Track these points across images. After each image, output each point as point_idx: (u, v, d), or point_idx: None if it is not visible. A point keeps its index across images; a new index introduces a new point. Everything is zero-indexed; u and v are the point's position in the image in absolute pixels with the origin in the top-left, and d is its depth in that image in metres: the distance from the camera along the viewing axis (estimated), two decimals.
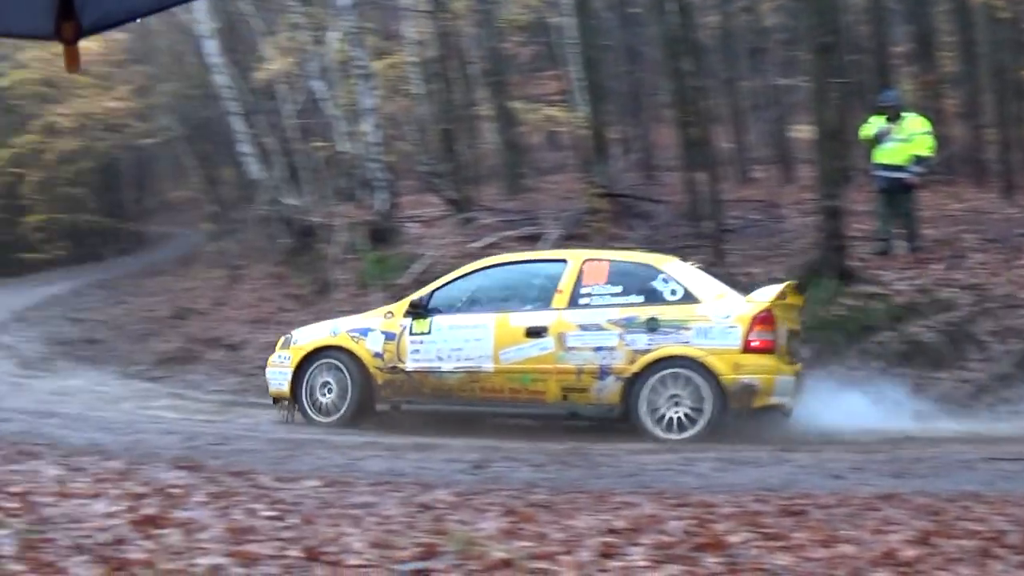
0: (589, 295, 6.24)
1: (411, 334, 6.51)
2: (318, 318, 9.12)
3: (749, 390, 5.67)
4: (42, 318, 16.29)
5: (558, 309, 6.24)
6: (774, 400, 5.71)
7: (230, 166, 19.10)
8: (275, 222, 13.77)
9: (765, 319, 5.75)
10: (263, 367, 7.44)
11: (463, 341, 6.35)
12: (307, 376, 6.66)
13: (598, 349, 6.06)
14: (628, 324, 6.04)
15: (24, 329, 14.33)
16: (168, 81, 21.42)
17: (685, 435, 5.72)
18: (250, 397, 8.99)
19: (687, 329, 5.88)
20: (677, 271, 6.27)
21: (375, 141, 11.93)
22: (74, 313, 17.09)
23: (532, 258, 6.99)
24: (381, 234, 11.76)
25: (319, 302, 11.26)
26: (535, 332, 6.20)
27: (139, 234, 56.48)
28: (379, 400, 6.56)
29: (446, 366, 6.38)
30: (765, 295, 5.99)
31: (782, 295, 5.90)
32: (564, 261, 6.50)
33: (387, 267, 11.20)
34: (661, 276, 6.20)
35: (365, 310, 7.69)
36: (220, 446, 5.67)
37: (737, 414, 5.65)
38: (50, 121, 25.61)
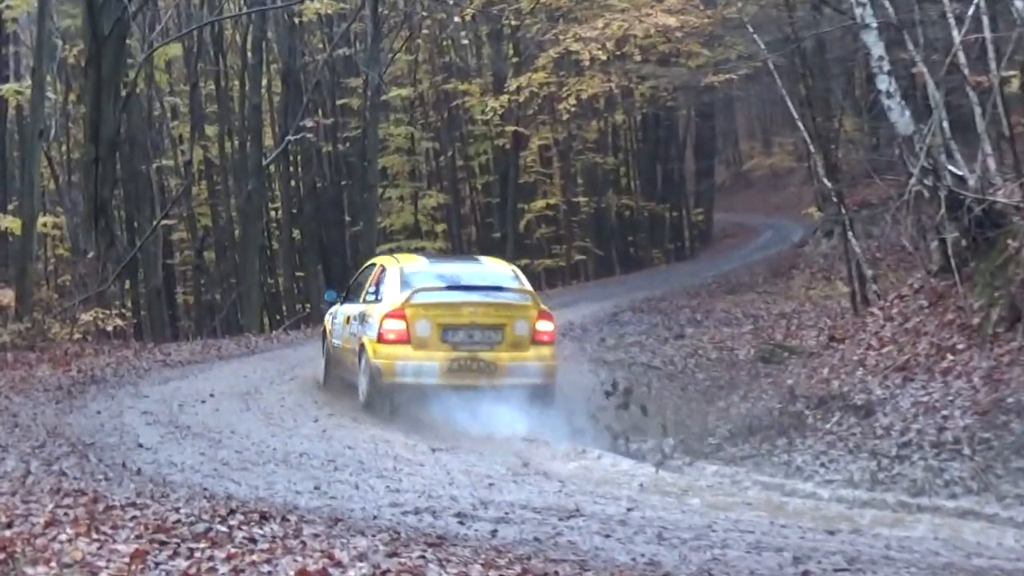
0: (370, 293, 15.69)
1: (333, 318, 16.80)
2: (1009, 364, 9.88)
3: (377, 371, 14.36)
4: (562, 354, 20.14)
5: (358, 303, 15.79)
6: (399, 380, 14.26)
7: (854, 115, 20.76)
8: (932, 204, 14.72)
9: (391, 315, 14.39)
10: (909, 443, 10.79)
11: (336, 324, 16.42)
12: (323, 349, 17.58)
13: (352, 335, 15.44)
14: (357, 316, 15.48)
15: None
16: None
17: (361, 401, 14.97)
18: (897, 492, 10.28)
19: (367, 323, 14.98)
20: (389, 276, 15.44)
21: None
22: (601, 351, 20.86)
23: (373, 262, 17.03)
24: None
25: (1010, 338, 12.14)
26: (347, 319, 15.90)
27: (701, 225, 63.93)
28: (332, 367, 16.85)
29: (335, 342, 16.43)
30: (401, 298, 14.59)
31: (422, 295, 14.53)
32: (375, 265, 16.54)
33: None
34: (383, 280, 15.50)
35: None
36: (849, 573, 6.60)
37: (381, 388, 14.45)
38: (568, 51, 30.83)
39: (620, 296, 32.28)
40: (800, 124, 20.59)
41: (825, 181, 20.11)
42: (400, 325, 14.62)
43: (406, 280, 15.31)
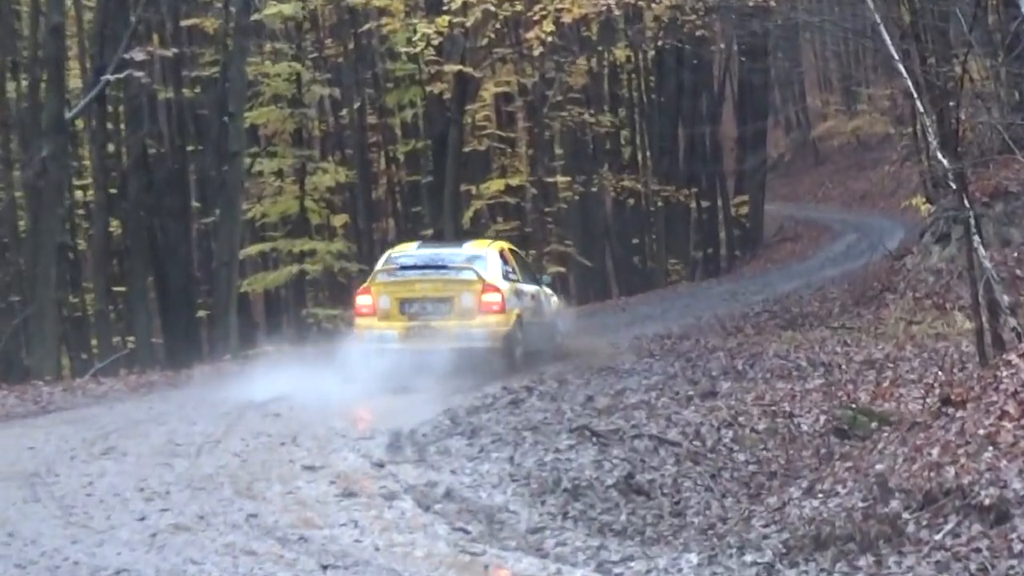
0: None
1: None
2: None
3: (355, 338, 27.74)
4: (531, 420, 20.05)
5: None
6: (371, 345, 26.34)
7: (984, 56, 20.87)
8: None
9: (361, 292, 27.66)
10: None
11: None
12: None
13: None
14: None
15: (479, 453, 18.24)
16: None
17: None
18: None
19: None
20: (380, 259, 30.35)
21: None
22: (586, 416, 20.69)
23: None
24: None
25: None
26: None
27: (745, 221, 64.57)
28: None
29: None
30: (369, 278, 28.47)
31: (390, 273, 27.57)
32: None
33: None
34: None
35: None
36: None
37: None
38: None
39: (618, 330, 32.27)
40: (901, 68, 20.66)
41: (939, 157, 20.19)
42: (368, 300, 26.57)
43: (386, 262, 27.63)
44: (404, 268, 27.01)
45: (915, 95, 20.67)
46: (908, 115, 29.24)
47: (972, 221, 19.49)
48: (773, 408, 20.81)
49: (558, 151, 47.48)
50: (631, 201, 49.69)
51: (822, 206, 57.90)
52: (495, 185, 44.26)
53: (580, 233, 47.06)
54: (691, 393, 22.63)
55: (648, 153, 51.28)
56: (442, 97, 41.83)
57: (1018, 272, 25.57)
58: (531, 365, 26.95)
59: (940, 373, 21.30)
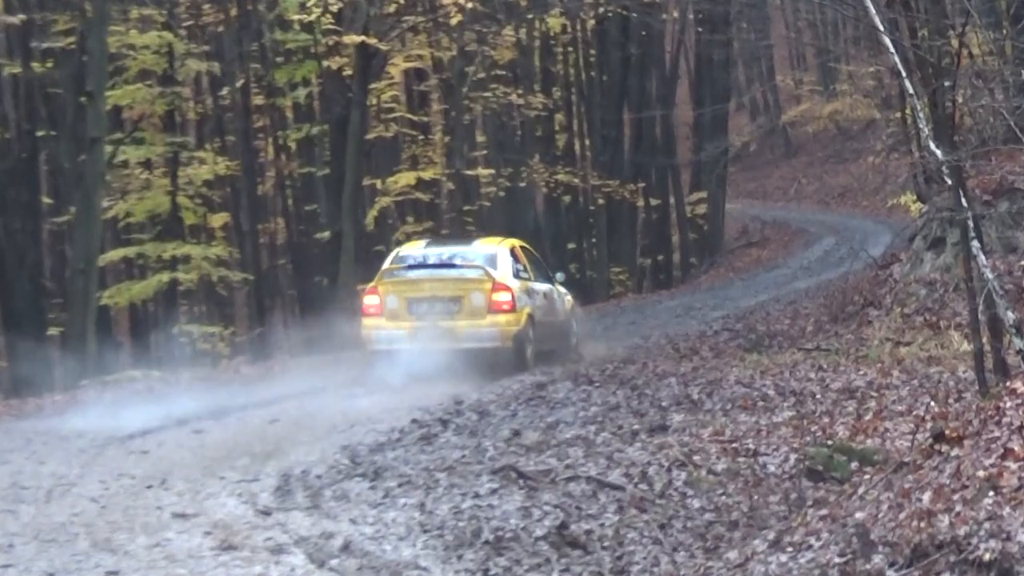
0: None
1: None
2: None
3: (363, 340, 32.95)
4: (446, 459, 20.29)
5: None
6: (378, 346, 31.70)
7: (986, 27, 21.07)
8: None
9: (368, 292, 32.36)
10: None
11: None
12: None
13: None
14: None
15: (384, 498, 18.30)
16: None
17: None
18: None
19: None
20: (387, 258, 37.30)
21: None
22: (511, 454, 20.90)
23: None
24: None
25: None
26: None
27: (702, 223, 64.95)
28: None
29: None
30: (376, 277, 33.54)
31: (390, 274, 32.35)
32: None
33: None
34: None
35: None
36: None
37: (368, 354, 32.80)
38: None
39: (551, 352, 32.32)
40: (887, 42, 20.74)
41: (932, 147, 20.26)
42: (375, 300, 30.16)
43: (393, 260, 31.43)
44: (412, 267, 30.93)
45: (904, 74, 20.76)
46: (896, 97, 29.36)
47: (971, 223, 19.55)
48: (734, 445, 20.87)
49: (480, 139, 47.62)
50: (567, 198, 49.82)
51: (794, 205, 58.35)
52: (405, 179, 44.37)
53: (506, 236, 47.16)
54: (637, 427, 22.66)
55: (587, 141, 51.43)
56: (342, 74, 41.81)
57: None
58: (543, 365, 30.42)
59: (932, 404, 21.35)
